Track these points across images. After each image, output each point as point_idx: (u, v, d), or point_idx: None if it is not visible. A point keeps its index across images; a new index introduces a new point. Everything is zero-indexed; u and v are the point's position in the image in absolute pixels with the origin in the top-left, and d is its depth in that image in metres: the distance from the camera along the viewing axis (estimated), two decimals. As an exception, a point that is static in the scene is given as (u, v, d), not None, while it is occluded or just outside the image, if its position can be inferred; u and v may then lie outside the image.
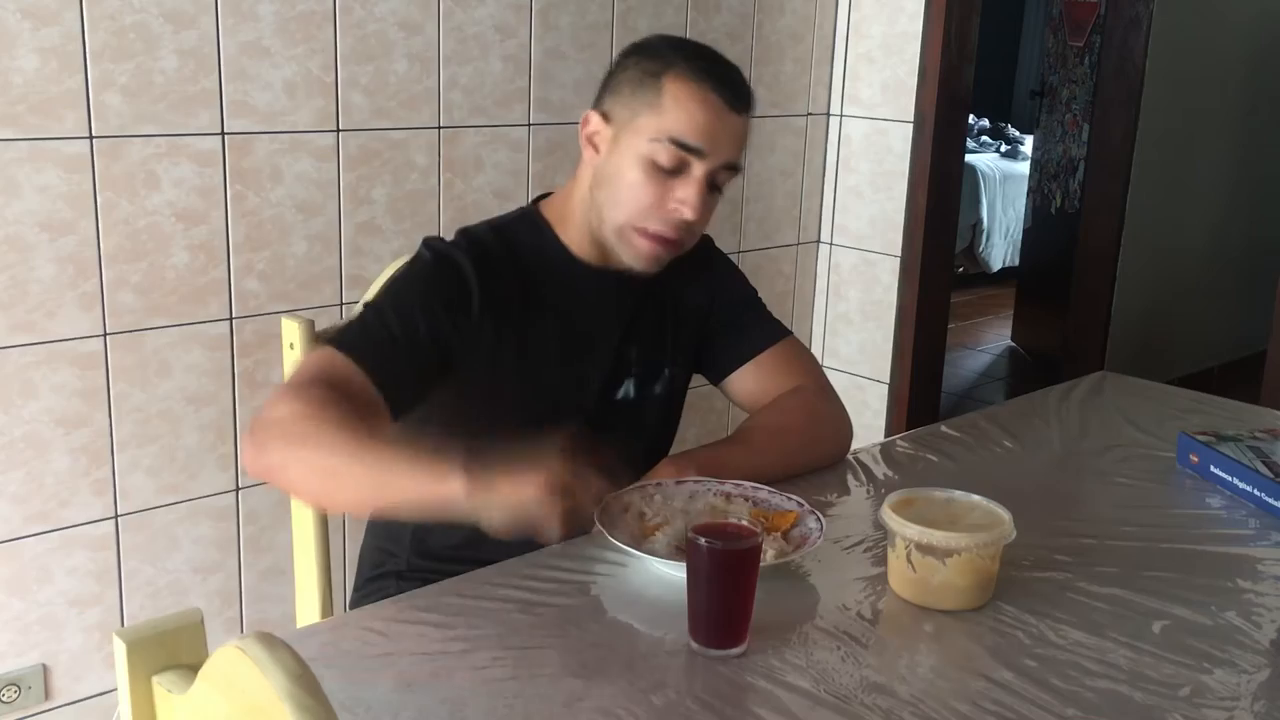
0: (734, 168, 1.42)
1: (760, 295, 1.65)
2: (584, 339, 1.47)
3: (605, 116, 1.42)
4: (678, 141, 1.36)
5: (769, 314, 1.63)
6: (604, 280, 1.47)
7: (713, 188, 1.41)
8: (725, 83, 1.39)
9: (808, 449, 1.54)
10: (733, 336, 1.59)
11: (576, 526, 1.18)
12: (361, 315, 1.38)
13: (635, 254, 1.42)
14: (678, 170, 1.38)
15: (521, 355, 1.42)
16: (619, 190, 1.39)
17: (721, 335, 1.59)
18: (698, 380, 1.63)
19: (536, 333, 1.43)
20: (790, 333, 1.63)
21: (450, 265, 1.40)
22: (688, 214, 1.38)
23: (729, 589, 1.10)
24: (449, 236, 1.47)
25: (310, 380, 1.26)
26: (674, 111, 1.36)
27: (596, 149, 1.43)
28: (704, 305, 1.57)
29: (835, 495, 1.49)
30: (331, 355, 1.30)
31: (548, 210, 1.50)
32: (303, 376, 1.28)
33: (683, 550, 1.21)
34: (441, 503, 1.14)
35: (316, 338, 1.49)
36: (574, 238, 1.47)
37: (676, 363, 1.57)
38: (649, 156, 1.37)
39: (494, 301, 1.39)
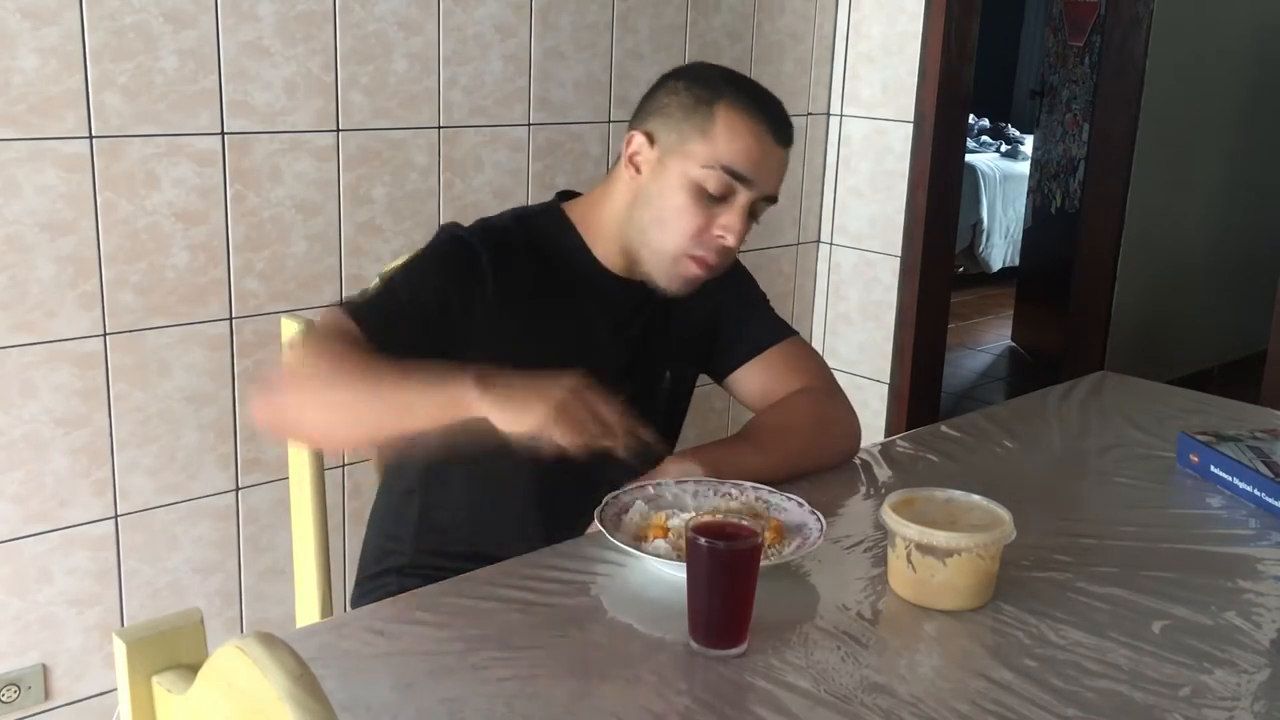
0: (772, 199, 1.44)
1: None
2: (593, 336, 1.48)
3: (650, 138, 1.43)
4: (729, 170, 1.38)
5: (775, 314, 1.64)
6: (620, 287, 1.49)
7: (750, 215, 1.43)
8: (775, 117, 1.41)
9: (815, 450, 1.54)
10: (737, 334, 1.59)
11: (595, 438, 1.20)
12: (376, 287, 1.43)
13: (673, 277, 1.44)
14: (723, 198, 1.39)
15: (531, 343, 1.43)
16: (664, 214, 1.41)
17: (727, 332, 1.59)
18: (698, 380, 1.63)
19: (547, 324, 1.44)
20: (796, 333, 1.63)
21: (466, 249, 1.42)
22: (730, 240, 1.41)
23: (729, 589, 1.10)
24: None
25: (319, 335, 1.33)
26: (727, 139, 1.38)
27: (639, 169, 1.43)
28: (712, 306, 1.57)
29: (835, 495, 1.49)
30: (338, 318, 1.35)
31: (573, 211, 1.51)
32: (312, 334, 1.35)
33: (683, 550, 1.22)
34: (459, 410, 1.20)
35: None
36: (600, 245, 1.48)
37: (682, 363, 1.58)
38: (698, 182, 1.38)
39: (507, 290, 1.41)
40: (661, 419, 1.57)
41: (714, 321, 1.58)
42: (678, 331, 1.55)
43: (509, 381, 1.20)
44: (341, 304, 1.40)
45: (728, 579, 1.10)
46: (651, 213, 1.42)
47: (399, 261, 1.52)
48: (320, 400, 1.28)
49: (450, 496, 1.48)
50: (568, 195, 1.56)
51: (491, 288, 1.40)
